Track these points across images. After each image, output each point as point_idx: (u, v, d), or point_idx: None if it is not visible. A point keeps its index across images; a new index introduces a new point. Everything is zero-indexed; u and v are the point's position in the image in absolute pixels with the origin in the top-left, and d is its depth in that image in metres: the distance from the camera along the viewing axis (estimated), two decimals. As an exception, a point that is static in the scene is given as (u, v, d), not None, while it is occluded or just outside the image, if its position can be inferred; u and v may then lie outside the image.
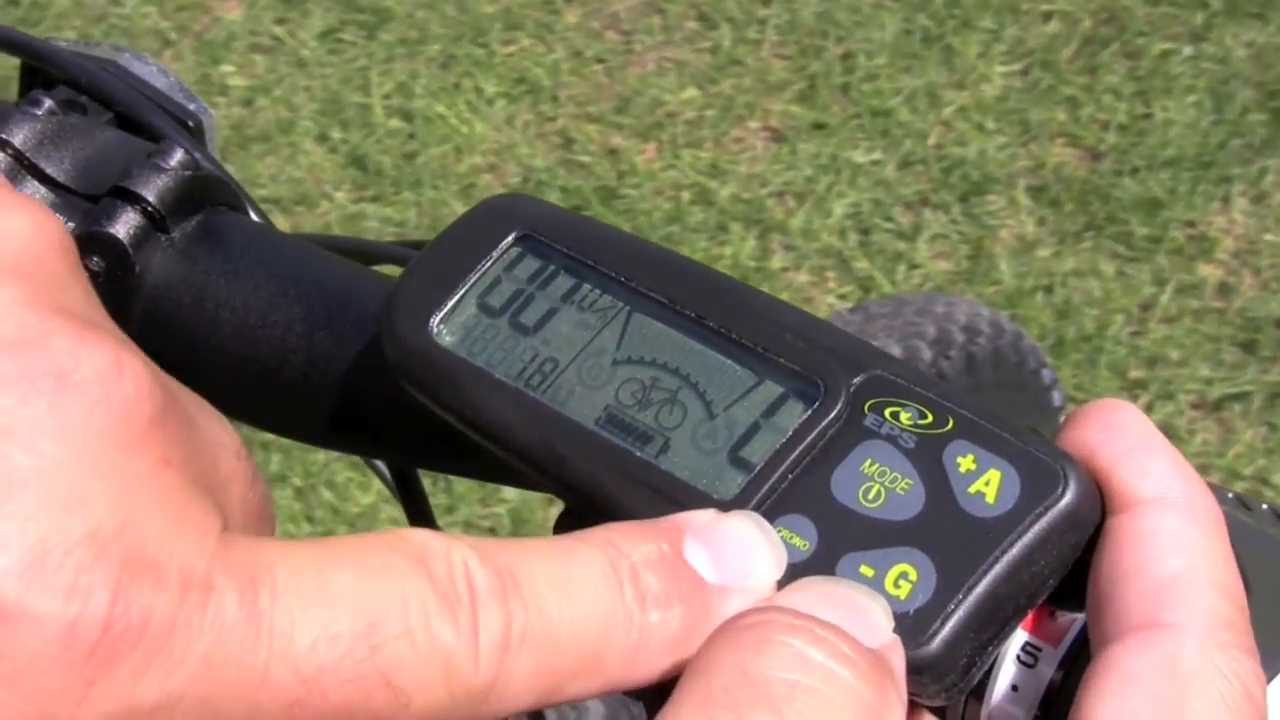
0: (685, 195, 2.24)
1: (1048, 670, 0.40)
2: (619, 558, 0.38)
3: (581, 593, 0.37)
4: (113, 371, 0.35)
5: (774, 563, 0.39)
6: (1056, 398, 1.57)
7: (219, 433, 0.39)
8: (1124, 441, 0.40)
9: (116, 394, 0.34)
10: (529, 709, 0.37)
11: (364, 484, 1.91)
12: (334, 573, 0.35)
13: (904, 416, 0.41)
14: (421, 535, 0.36)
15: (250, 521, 0.40)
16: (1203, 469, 1.95)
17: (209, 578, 0.34)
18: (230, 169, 2.14)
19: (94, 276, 0.54)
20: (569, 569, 0.37)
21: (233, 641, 0.33)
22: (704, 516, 0.40)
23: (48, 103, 0.59)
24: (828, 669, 0.35)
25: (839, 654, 0.35)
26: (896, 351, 1.38)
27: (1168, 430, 1.99)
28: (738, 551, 0.39)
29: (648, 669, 0.38)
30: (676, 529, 0.39)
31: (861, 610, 0.38)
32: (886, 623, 0.38)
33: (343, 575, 0.35)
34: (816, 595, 0.38)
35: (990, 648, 0.39)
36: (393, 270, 0.58)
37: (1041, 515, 0.39)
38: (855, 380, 0.42)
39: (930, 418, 0.41)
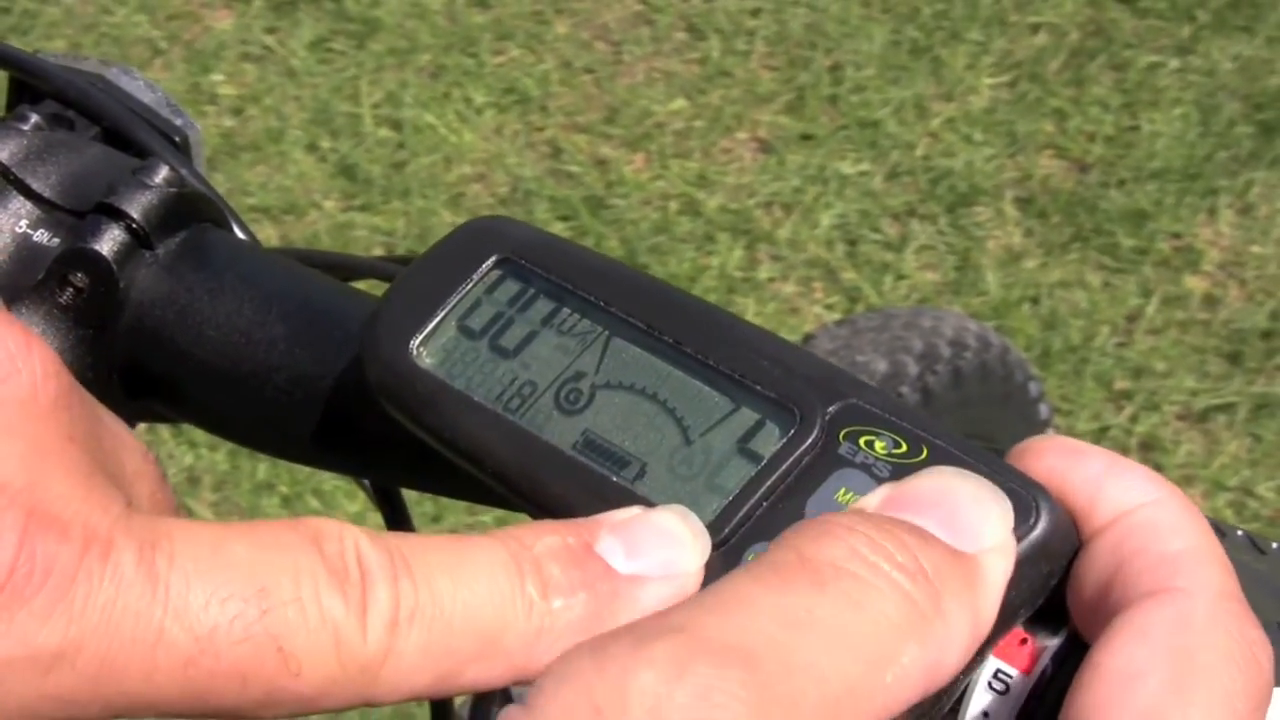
0: (673, 205, 2.25)
1: (1020, 696, 0.40)
2: (521, 549, 0.39)
3: (476, 577, 0.38)
4: (22, 350, 0.37)
5: (696, 553, 0.40)
6: (1044, 411, 1.58)
7: (124, 434, 0.41)
8: (1094, 463, 0.41)
9: (26, 369, 0.37)
10: (427, 692, 0.38)
11: (351, 493, 1.91)
12: (229, 545, 0.37)
13: (879, 445, 0.41)
14: (317, 519, 0.38)
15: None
16: (1188, 480, 1.96)
17: (110, 536, 0.36)
18: (219, 178, 2.15)
19: (78, 293, 0.54)
20: (464, 556, 0.38)
21: (130, 596, 0.35)
22: (625, 513, 0.40)
23: (34, 118, 0.59)
24: (875, 565, 0.36)
25: (891, 559, 0.36)
26: (883, 366, 1.38)
27: (1153, 441, 2.00)
28: (656, 542, 0.40)
29: (554, 656, 0.38)
30: (591, 525, 0.40)
31: (965, 512, 0.38)
32: (997, 525, 0.38)
33: (237, 547, 0.37)
34: (928, 490, 0.38)
35: (961, 676, 0.39)
36: (378, 286, 0.58)
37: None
38: (831, 408, 0.42)
39: (904, 447, 0.41)
